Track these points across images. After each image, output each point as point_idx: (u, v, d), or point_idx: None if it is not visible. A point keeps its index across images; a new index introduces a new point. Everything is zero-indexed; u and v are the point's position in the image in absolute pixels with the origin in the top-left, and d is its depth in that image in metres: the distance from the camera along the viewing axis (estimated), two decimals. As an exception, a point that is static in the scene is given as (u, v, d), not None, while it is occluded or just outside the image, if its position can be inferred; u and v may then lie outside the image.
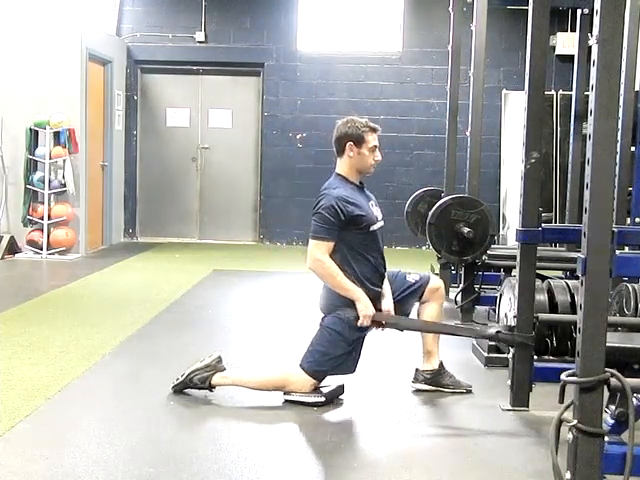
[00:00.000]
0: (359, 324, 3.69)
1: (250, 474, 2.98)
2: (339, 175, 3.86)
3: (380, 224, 3.89)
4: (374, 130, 3.84)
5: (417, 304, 4.03)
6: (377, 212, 3.91)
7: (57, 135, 8.40)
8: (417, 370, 4.07)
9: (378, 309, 3.77)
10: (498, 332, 3.79)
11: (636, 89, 5.26)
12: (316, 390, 3.77)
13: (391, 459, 3.22)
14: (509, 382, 3.77)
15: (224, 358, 3.89)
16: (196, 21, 10.04)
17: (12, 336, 4.95)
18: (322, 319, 3.83)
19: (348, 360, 3.77)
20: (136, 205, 10.36)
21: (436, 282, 4.02)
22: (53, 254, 8.38)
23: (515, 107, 9.53)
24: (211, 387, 3.81)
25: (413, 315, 4.06)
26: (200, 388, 3.81)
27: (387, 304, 3.80)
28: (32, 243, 8.44)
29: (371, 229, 3.82)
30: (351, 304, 3.73)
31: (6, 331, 5.09)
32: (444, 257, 5.70)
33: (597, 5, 2.49)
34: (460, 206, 5.50)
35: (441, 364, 4.04)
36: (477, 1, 5.95)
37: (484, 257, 5.55)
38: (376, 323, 3.78)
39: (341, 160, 3.86)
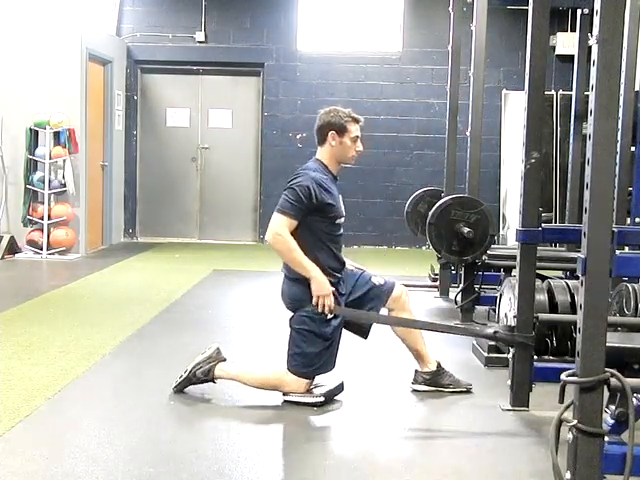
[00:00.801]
0: (313, 303, 3.64)
1: (250, 474, 2.98)
2: (319, 161, 3.85)
3: (343, 219, 3.89)
4: (357, 121, 3.84)
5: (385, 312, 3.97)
6: (343, 207, 3.91)
7: (57, 135, 8.40)
8: (416, 372, 4.06)
9: (340, 293, 3.77)
10: (496, 332, 3.79)
11: (636, 89, 5.26)
12: (314, 389, 3.77)
13: (391, 459, 3.23)
14: (509, 382, 3.77)
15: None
16: (196, 21, 10.04)
17: (12, 336, 4.95)
18: (290, 319, 3.80)
19: (329, 355, 3.75)
20: (136, 205, 10.36)
21: (399, 290, 3.94)
22: (53, 254, 8.38)
23: (515, 107, 9.53)
24: (214, 379, 3.82)
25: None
26: (204, 381, 3.81)
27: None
28: (32, 243, 8.44)
29: (337, 221, 3.82)
30: (310, 296, 3.68)
31: (6, 331, 5.09)
32: (444, 257, 5.69)
33: (597, 5, 2.49)
34: (460, 206, 5.50)
35: (439, 364, 4.03)
36: (477, 1, 5.95)
37: (484, 257, 5.55)
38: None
39: (322, 149, 3.85)
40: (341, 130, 3.79)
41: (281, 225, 3.66)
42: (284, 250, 3.67)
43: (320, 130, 3.84)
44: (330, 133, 3.79)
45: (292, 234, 3.67)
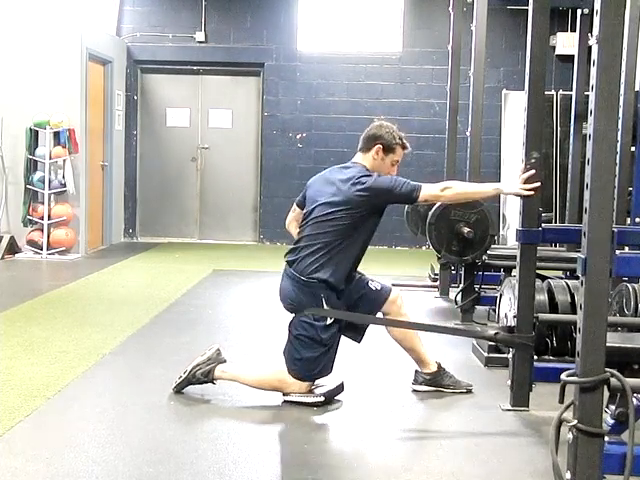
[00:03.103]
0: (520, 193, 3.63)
1: (250, 474, 2.98)
2: (364, 167, 3.80)
3: None
4: (404, 147, 3.86)
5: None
6: None
7: (57, 135, 8.40)
8: (416, 372, 4.06)
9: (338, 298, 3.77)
10: (496, 333, 3.77)
11: (636, 89, 5.26)
12: (315, 389, 3.77)
13: (391, 459, 3.22)
14: (509, 382, 3.77)
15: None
16: (196, 21, 10.04)
17: (12, 336, 4.95)
18: (290, 323, 3.77)
19: (327, 360, 3.74)
20: (136, 205, 10.36)
21: (394, 294, 3.93)
22: (53, 254, 8.37)
23: (515, 107, 9.53)
24: (214, 380, 3.82)
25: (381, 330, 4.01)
26: (203, 382, 3.81)
27: None
28: (32, 243, 8.44)
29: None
30: (316, 298, 3.67)
31: (6, 331, 5.09)
32: (444, 257, 5.69)
33: (597, 5, 2.49)
34: (460, 206, 5.49)
35: (439, 365, 4.03)
36: (477, 1, 5.95)
37: (484, 257, 5.55)
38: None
39: (364, 156, 3.84)
40: (388, 149, 3.81)
41: (429, 186, 3.71)
42: (460, 194, 3.81)
43: (368, 139, 3.84)
44: (377, 146, 3.80)
45: (353, 231, 3.69)
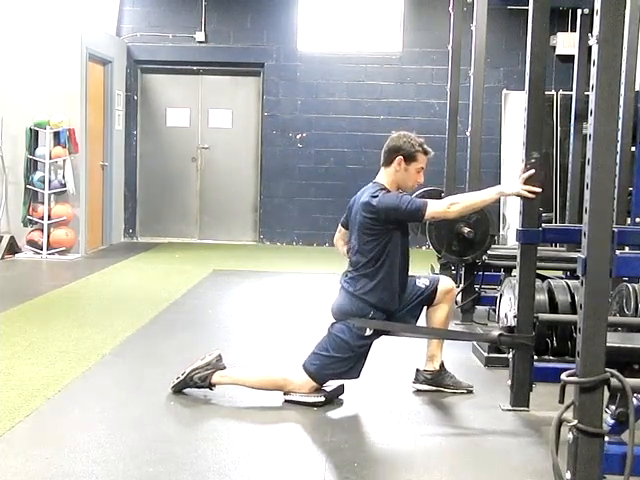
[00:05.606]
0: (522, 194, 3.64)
1: (250, 474, 2.98)
2: (381, 185, 3.83)
3: None
4: (426, 153, 3.88)
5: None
6: None
7: (57, 135, 8.40)
8: (418, 370, 4.07)
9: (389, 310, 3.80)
10: (501, 335, 3.76)
11: (636, 89, 5.25)
12: (316, 390, 3.77)
13: (391, 459, 3.23)
14: (509, 382, 3.77)
15: (224, 358, 3.89)
16: (196, 21, 10.04)
17: (12, 336, 4.95)
18: (332, 325, 3.82)
19: (353, 366, 3.77)
20: (136, 205, 10.36)
21: (448, 284, 3.98)
22: (53, 254, 8.37)
23: (515, 107, 9.53)
24: (211, 386, 3.81)
25: (422, 317, 4.04)
26: (200, 387, 3.81)
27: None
28: (32, 243, 8.44)
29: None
30: (363, 313, 3.72)
31: (6, 331, 5.09)
32: (444, 257, 5.69)
33: (597, 5, 2.48)
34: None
35: (442, 365, 4.03)
36: (477, 1, 5.94)
37: (484, 257, 5.55)
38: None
39: (386, 171, 3.86)
40: (409, 158, 3.82)
41: (435, 204, 3.71)
42: (466, 207, 3.75)
43: (388, 152, 3.86)
44: (398, 158, 3.81)
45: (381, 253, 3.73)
